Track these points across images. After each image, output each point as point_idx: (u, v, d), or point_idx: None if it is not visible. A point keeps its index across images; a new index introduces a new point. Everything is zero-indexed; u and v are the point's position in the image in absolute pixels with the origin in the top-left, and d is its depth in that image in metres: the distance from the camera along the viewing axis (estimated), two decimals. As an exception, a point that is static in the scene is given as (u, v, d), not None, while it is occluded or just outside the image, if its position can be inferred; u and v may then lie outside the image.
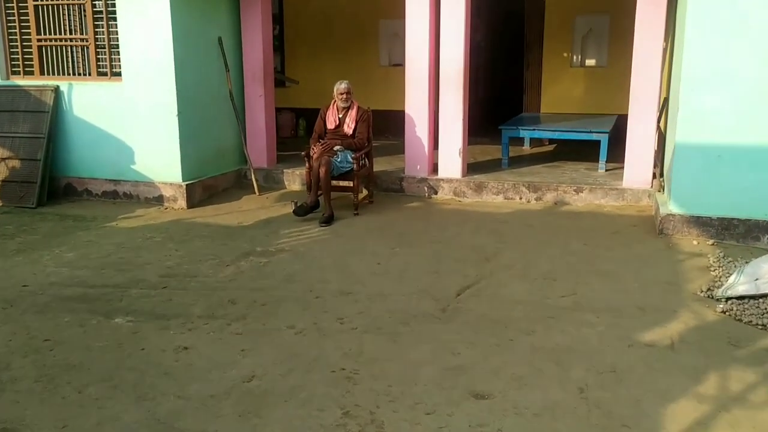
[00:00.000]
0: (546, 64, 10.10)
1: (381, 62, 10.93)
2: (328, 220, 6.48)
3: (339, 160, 6.66)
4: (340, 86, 6.82)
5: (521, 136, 8.06)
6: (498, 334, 4.00)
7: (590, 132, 7.70)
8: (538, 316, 4.27)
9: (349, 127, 6.85)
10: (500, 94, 11.99)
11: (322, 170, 6.47)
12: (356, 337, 3.99)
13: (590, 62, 10.00)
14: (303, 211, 6.57)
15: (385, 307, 4.44)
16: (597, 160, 8.20)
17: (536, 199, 7.14)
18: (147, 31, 6.90)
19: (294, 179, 7.95)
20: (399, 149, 9.40)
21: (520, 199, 7.19)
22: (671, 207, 5.79)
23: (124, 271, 5.20)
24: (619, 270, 5.09)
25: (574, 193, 7.01)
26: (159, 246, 5.86)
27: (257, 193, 7.68)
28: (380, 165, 7.95)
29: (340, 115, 6.91)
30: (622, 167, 7.80)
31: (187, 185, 7.10)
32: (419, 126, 7.44)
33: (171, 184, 7.14)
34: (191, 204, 7.16)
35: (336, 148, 6.71)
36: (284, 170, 8.00)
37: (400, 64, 10.59)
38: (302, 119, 11.19)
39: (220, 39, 7.57)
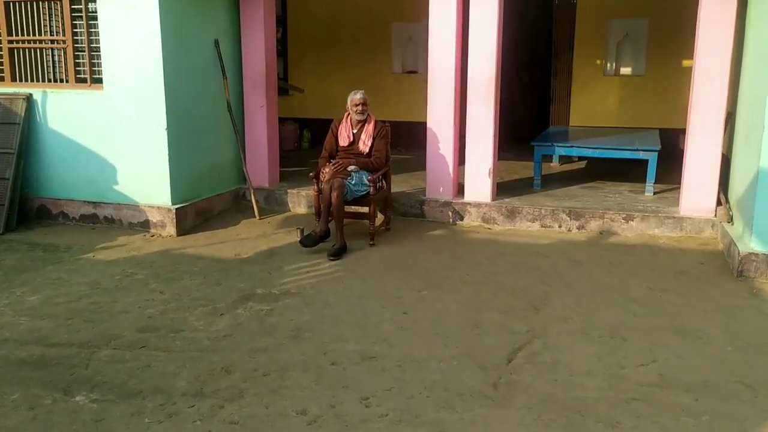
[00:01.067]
0: (576, 73, 9.20)
1: (394, 69, 10.02)
2: (340, 252, 5.56)
3: (353, 182, 5.74)
4: (355, 97, 5.90)
5: (556, 153, 7.14)
6: (575, 428, 3.06)
7: (637, 150, 6.78)
8: (619, 397, 3.32)
9: (365, 145, 5.92)
10: (524, 105, 11.08)
11: (334, 195, 5.54)
12: (389, 430, 3.05)
13: (626, 70, 9.09)
14: (311, 242, 5.64)
15: (420, 380, 3.50)
16: (639, 181, 7.30)
17: (578, 228, 6.21)
18: (132, 32, 5.98)
19: (299, 201, 7.01)
20: (415, 165, 8.51)
21: (560, 227, 6.26)
22: (753, 244, 4.86)
23: (94, 323, 4.26)
24: (702, 326, 4.15)
25: (622, 221, 6.08)
26: (140, 286, 4.92)
27: (257, 217, 6.75)
28: (396, 184, 7.02)
29: (355, 131, 5.98)
30: (672, 190, 6.93)
31: (176, 209, 6.17)
32: (443, 142, 6.52)
33: (158, 207, 6.20)
34: (182, 230, 6.22)
35: (350, 168, 5.78)
36: (288, 190, 7.07)
37: (414, 72, 9.74)
38: (307, 130, 10.28)
39: (216, 42, 6.65)
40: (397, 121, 9.58)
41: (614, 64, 9.09)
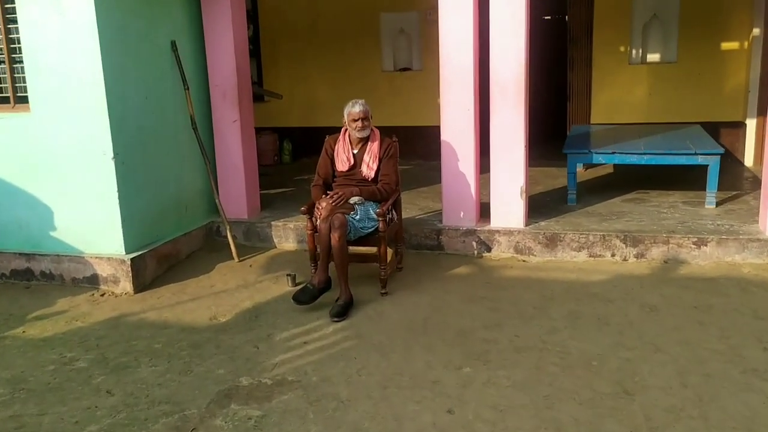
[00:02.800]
0: (596, 62, 7.99)
1: (384, 67, 8.73)
2: (346, 309, 4.31)
3: (358, 218, 4.47)
4: (354, 110, 4.61)
5: (595, 161, 5.93)
6: None
7: (695, 154, 5.59)
8: None
9: (369, 168, 4.65)
10: (537, 101, 9.87)
11: (335, 236, 4.27)
12: None
13: (654, 57, 7.90)
14: (308, 297, 4.37)
15: None
16: (687, 188, 6.17)
17: (637, 257, 5.01)
18: (63, 35, 4.65)
19: (286, 235, 5.72)
20: (418, 178, 7.30)
21: (613, 256, 5.06)
22: None
23: (8, 459, 2.96)
24: None
25: (693, 246, 4.89)
26: (81, 382, 3.60)
27: (236, 259, 5.45)
28: (402, 207, 5.75)
29: (356, 151, 4.71)
30: (734, 199, 5.79)
31: (132, 259, 4.84)
32: (462, 157, 5.27)
33: (109, 258, 4.87)
34: (140, 285, 4.91)
35: (353, 200, 4.51)
36: (272, 222, 5.77)
37: (408, 69, 8.49)
38: (287, 141, 8.98)
39: (173, 44, 5.33)
40: (391, 126, 8.36)
41: (641, 51, 7.89)
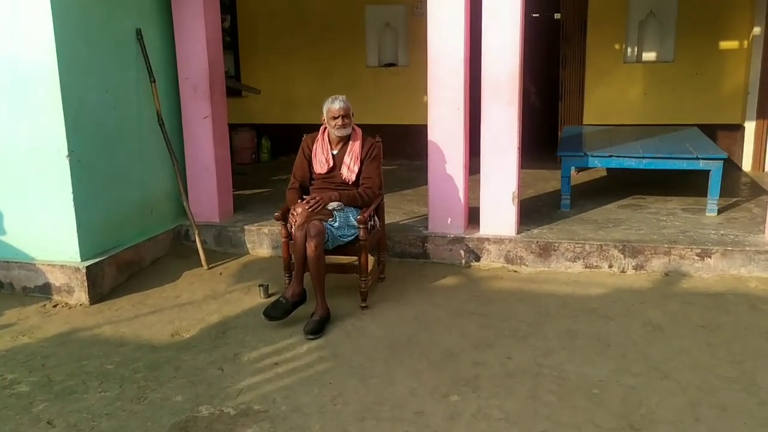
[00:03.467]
0: (590, 60, 7.65)
1: (369, 62, 8.33)
2: (322, 326, 3.93)
3: (336, 225, 4.08)
4: (333, 106, 4.21)
5: (591, 165, 5.58)
6: None
7: (696, 159, 5.26)
8: None
9: (350, 170, 4.26)
10: (526, 100, 9.53)
11: (311, 245, 3.88)
12: None
13: (649, 56, 7.57)
14: (280, 312, 3.98)
15: None
16: (685, 193, 5.87)
17: (636, 269, 4.67)
18: (12, 20, 4.21)
19: (260, 240, 5.32)
20: (402, 180, 6.93)
21: (611, 268, 4.72)
22: None
23: None
24: None
25: (696, 258, 4.56)
26: (19, 409, 3.18)
27: (205, 266, 5.05)
28: (385, 211, 5.38)
29: (335, 151, 4.31)
30: (735, 206, 5.49)
31: (88, 267, 4.42)
32: (450, 160, 4.89)
33: (62, 265, 4.44)
34: (97, 296, 4.48)
35: (332, 206, 4.11)
36: (245, 227, 5.36)
37: (393, 64, 8.10)
38: (266, 139, 8.55)
39: (139, 32, 4.91)
40: (375, 124, 7.98)
41: (636, 49, 7.56)
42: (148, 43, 4.96)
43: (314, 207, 4.01)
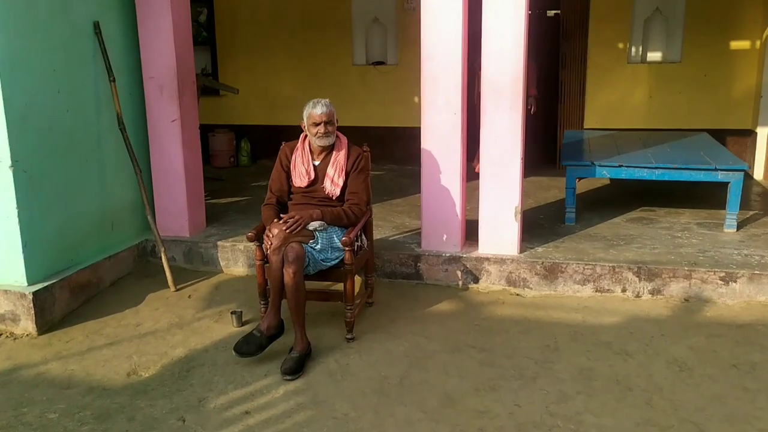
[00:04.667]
0: (592, 60, 7.19)
1: (356, 60, 7.82)
2: (301, 364, 3.42)
3: (319, 248, 3.57)
4: (315, 110, 3.68)
5: (598, 175, 5.10)
6: None
7: (715, 170, 4.80)
8: None
9: (334, 184, 3.74)
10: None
11: (289, 272, 3.37)
12: None
13: (655, 56, 7.12)
14: (254, 347, 3.46)
15: None
16: (694, 204, 5.44)
17: (653, 293, 4.21)
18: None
19: (235, 257, 4.80)
20: (391, 188, 6.44)
21: (623, 292, 4.25)
22: None
23: None
24: None
25: (720, 282, 4.10)
26: (-65, 478, 2.66)
27: (172, 288, 4.52)
28: (373, 226, 4.89)
29: (317, 162, 3.79)
30: (754, 220, 5.06)
31: (35, 293, 3.87)
32: (446, 170, 4.40)
33: (6, 291, 3.89)
34: (46, 324, 3.95)
35: (314, 225, 3.60)
36: (218, 242, 4.84)
37: (382, 62, 7.59)
38: (245, 141, 8.03)
39: (96, 25, 4.36)
40: (364, 126, 7.52)
41: (641, 48, 7.10)
42: (107, 37, 4.41)
43: (292, 228, 3.49)
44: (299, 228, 3.52)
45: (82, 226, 4.35)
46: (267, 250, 3.56)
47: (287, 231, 3.47)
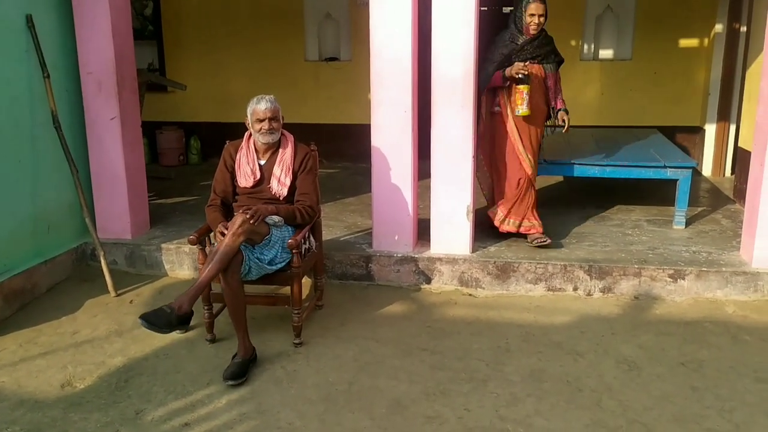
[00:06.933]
0: (545, 58, 7.18)
1: (308, 56, 7.66)
2: (244, 369, 3.30)
3: (263, 251, 3.45)
4: (259, 106, 3.54)
5: (548, 174, 5.07)
6: None
7: (664, 168, 4.83)
8: None
9: (281, 184, 3.61)
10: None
11: (225, 278, 3.24)
12: None
13: (606, 54, 7.16)
14: (162, 321, 3.14)
15: None
16: (644, 201, 5.49)
17: (603, 291, 4.20)
18: None
19: (180, 260, 4.64)
20: (344, 187, 6.34)
21: (575, 290, 4.24)
22: None
23: None
24: None
25: (668, 280, 4.12)
26: None
27: (112, 293, 4.33)
28: (323, 226, 4.78)
29: (263, 161, 3.66)
30: (701, 217, 5.11)
31: (-37, 301, 3.66)
32: (397, 169, 4.31)
33: (-70, 300, 3.67)
34: (-24, 334, 3.74)
35: (274, 219, 3.49)
36: (162, 245, 4.66)
37: (335, 59, 7.47)
38: (195, 139, 7.82)
39: (29, 19, 4.14)
40: (317, 123, 7.38)
41: (593, 46, 7.14)
42: (41, 31, 4.19)
43: (257, 220, 3.33)
44: (260, 221, 3.37)
45: (15, 229, 4.13)
46: (212, 248, 3.44)
47: (253, 223, 3.30)
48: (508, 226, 4.57)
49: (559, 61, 4.67)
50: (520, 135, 4.47)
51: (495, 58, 4.47)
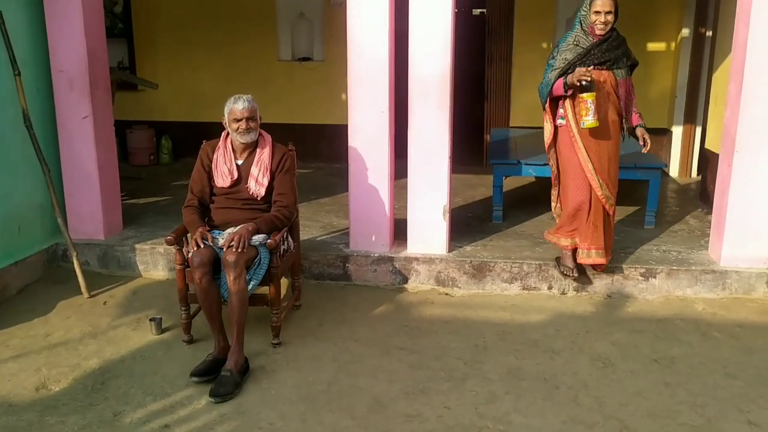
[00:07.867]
0: (517, 58, 7.29)
1: (281, 56, 7.63)
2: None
3: (257, 272, 3.46)
4: (236, 106, 3.52)
5: (524, 173, 5.15)
6: None
7: (634, 168, 4.94)
8: None
9: (258, 184, 3.60)
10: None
11: (234, 282, 3.25)
12: None
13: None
14: (210, 369, 3.26)
15: None
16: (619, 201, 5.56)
17: (576, 290, 4.28)
18: None
19: (155, 260, 4.59)
20: (319, 187, 6.36)
21: (550, 289, 4.31)
22: None
23: None
24: None
25: (640, 278, 4.21)
26: None
27: (85, 294, 4.27)
28: (301, 225, 4.77)
29: (240, 161, 3.64)
30: (671, 218, 5.22)
31: (-70, 304, 3.57)
32: (374, 169, 4.33)
33: None
34: (-56, 338, 3.65)
35: (258, 240, 3.46)
36: (136, 245, 4.61)
37: (308, 58, 7.46)
38: (166, 138, 7.74)
39: (-1, 14, 4.06)
40: (290, 123, 7.36)
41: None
42: (11, 28, 4.10)
43: (243, 247, 3.30)
44: (247, 244, 3.34)
45: (-16, 230, 4.05)
46: (189, 253, 3.42)
47: (241, 251, 3.28)
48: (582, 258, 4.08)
49: (632, 65, 4.12)
50: (587, 152, 3.90)
51: (557, 65, 3.93)
